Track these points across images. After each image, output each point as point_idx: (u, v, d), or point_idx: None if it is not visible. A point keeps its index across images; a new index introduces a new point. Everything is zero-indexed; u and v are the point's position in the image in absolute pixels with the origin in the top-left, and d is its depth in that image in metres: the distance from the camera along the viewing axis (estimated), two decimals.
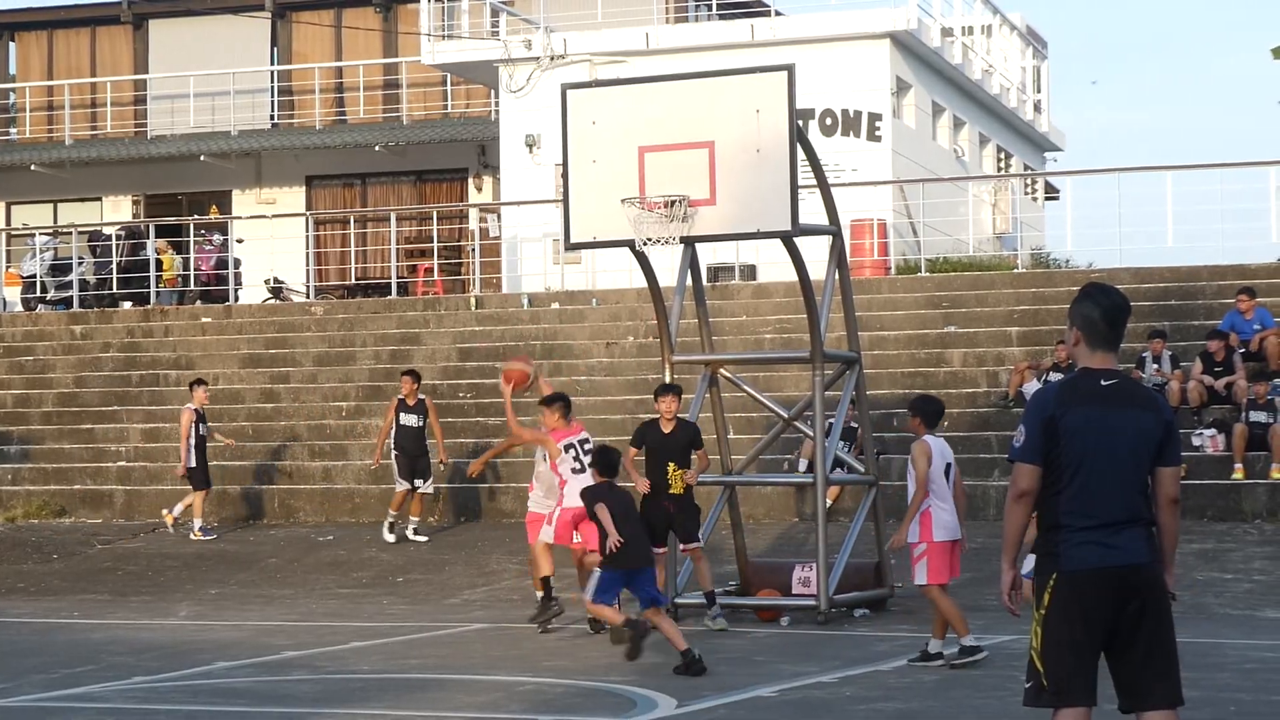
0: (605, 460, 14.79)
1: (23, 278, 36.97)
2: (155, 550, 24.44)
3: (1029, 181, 42.37)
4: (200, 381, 26.27)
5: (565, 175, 17.72)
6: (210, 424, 25.80)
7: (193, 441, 25.13)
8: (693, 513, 17.10)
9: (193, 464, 25.03)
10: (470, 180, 40.68)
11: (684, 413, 18.11)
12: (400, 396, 24.72)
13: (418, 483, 24.10)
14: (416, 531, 24.06)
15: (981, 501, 22.90)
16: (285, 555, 23.57)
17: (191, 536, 24.63)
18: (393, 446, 24.22)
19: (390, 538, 23.72)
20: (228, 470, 27.62)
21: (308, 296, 35.89)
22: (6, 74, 46.63)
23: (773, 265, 28.61)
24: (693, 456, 17.02)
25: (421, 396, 24.67)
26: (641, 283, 18.80)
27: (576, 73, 33.36)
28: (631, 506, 14.71)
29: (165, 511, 25.56)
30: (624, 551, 14.04)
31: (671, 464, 16.93)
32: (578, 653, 15.52)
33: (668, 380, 17.92)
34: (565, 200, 17.70)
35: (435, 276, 35.25)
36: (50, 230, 38.72)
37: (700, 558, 17.16)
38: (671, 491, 16.87)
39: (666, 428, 17.07)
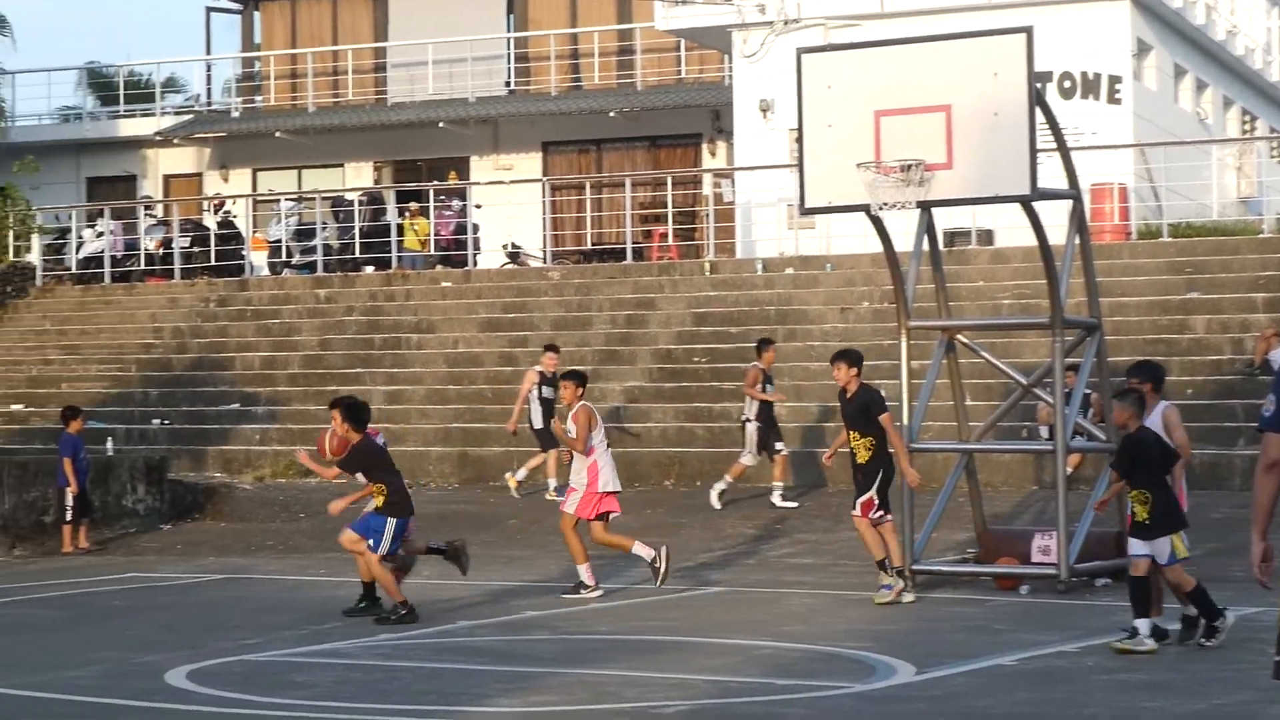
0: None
1: (269, 242, 37.83)
2: None
3: (1275, 144, 41.45)
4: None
5: (800, 140, 17.70)
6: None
7: (536, 403, 24.98)
8: (869, 478, 16.64)
9: (539, 425, 24.92)
10: (704, 145, 40.75)
11: (920, 379, 18.03)
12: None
13: (779, 446, 23.89)
14: (784, 497, 23.71)
15: (1226, 471, 22.53)
16: (525, 517, 23.88)
17: (546, 497, 24.60)
18: (752, 419, 23.87)
19: (718, 504, 23.65)
20: (468, 432, 28.06)
21: (544, 261, 36.26)
22: (252, 43, 47.63)
23: (1010, 230, 28.30)
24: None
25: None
26: (877, 247, 18.71)
27: (811, 37, 33.21)
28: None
29: (509, 475, 25.56)
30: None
31: (854, 432, 16.70)
32: (815, 618, 15.56)
33: (902, 346, 17.82)
34: (800, 165, 17.68)
35: (670, 241, 35.40)
36: (295, 196, 39.51)
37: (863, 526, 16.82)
38: (857, 461, 16.68)
39: (848, 393, 16.95)
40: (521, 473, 25.26)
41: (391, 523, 15.32)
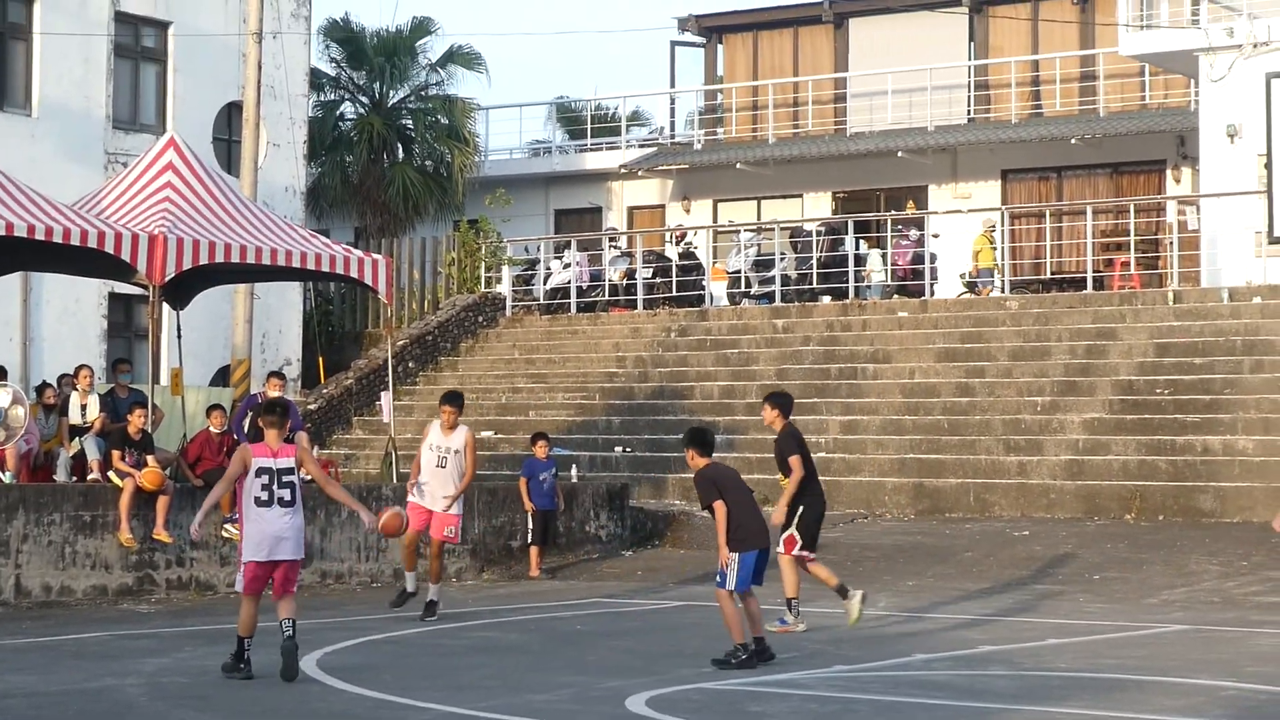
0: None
1: (728, 273, 38.34)
2: (854, 540, 24.94)
3: None
4: None
5: (1269, 165, 17.23)
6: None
7: None
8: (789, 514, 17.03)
9: None
10: (1168, 171, 39.83)
11: None
12: None
13: None
14: None
15: None
16: (981, 549, 23.69)
17: None
18: None
19: None
20: (924, 463, 27.97)
21: (1003, 290, 35.91)
22: (715, 76, 48.41)
23: None
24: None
25: None
26: None
27: None
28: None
29: None
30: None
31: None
32: None
33: None
34: (1269, 191, 17.21)
35: (1132, 270, 34.69)
36: (754, 227, 39.97)
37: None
38: None
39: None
40: None
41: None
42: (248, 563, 13.73)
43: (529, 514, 23.82)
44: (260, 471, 13.62)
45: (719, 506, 14.35)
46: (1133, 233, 34.96)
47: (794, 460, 16.94)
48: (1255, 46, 33.57)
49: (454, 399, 18.88)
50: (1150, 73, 40.70)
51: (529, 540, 23.82)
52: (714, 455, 14.89)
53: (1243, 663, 14.74)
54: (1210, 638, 16.59)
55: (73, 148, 34.29)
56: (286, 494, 13.65)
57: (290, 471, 13.70)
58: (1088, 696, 13.02)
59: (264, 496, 13.60)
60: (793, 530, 16.93)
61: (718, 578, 14.49)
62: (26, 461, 21.44)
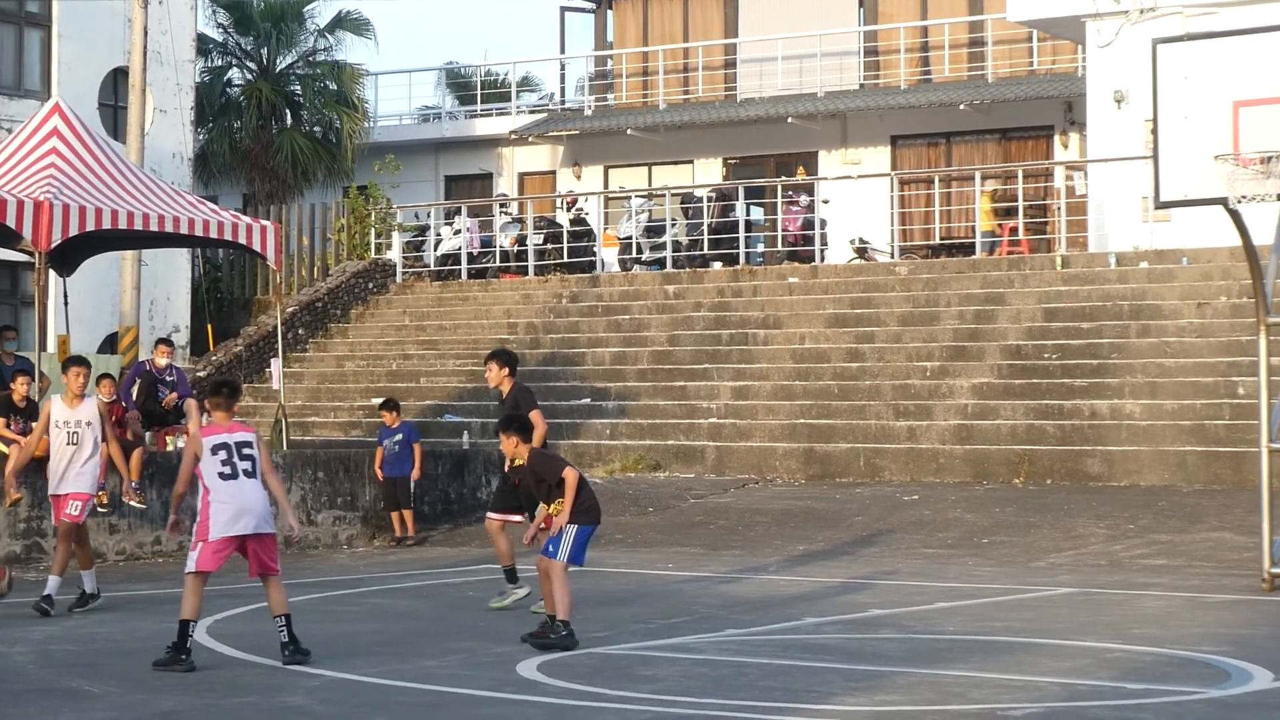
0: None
1: (619, 239, 38.36)
2: (745, 505, 25.07)
3: None
4: None
5: (1155, 131, 17.37)
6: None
7: None
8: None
9: None
10: (1056, 137, 40.17)
11: (1251, 376, 17.52)
12: None
13: None
14: None
15: None
16: (871, 514, 23.86)
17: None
18: None
19: None
20: (814, 428, 28.11)
21: (892, 256, 36.13)
22: (605, 42, 48.33)
23: None
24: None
25: None
26: (1235, 241, 18.27)
27: (1167, 25, 32.47)
28: None
29: None
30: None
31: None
32: (1169, 621, 15.26)
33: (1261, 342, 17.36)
34: (1155, 157, 17.35)
35: (1020, 235, 34.97)
36: (645, 193, 39.99)
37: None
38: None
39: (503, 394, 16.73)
40: None
41: None
42: (213, 540, 13.13)
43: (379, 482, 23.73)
44: (218, 448, 13.21)
45: (570, 474, 14.03)
46: (1021, 198, 35.24)
47: (535, 415, 16.24)
48: (1142, 12, 33.86)
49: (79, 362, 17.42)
50: (1039, 38, 41.01)
51: (382, 507, 23.74)
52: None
53: (1129, 625, 14.93)
54: (1097, 600, 16.79)
55: None
56: (249, 465, 13.26)
57: (249, 445, 13.33)
58: (976, 659, 13.15)
59: (227, 470, 13.16)
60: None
61: (549, 546, 13.83)
62: None
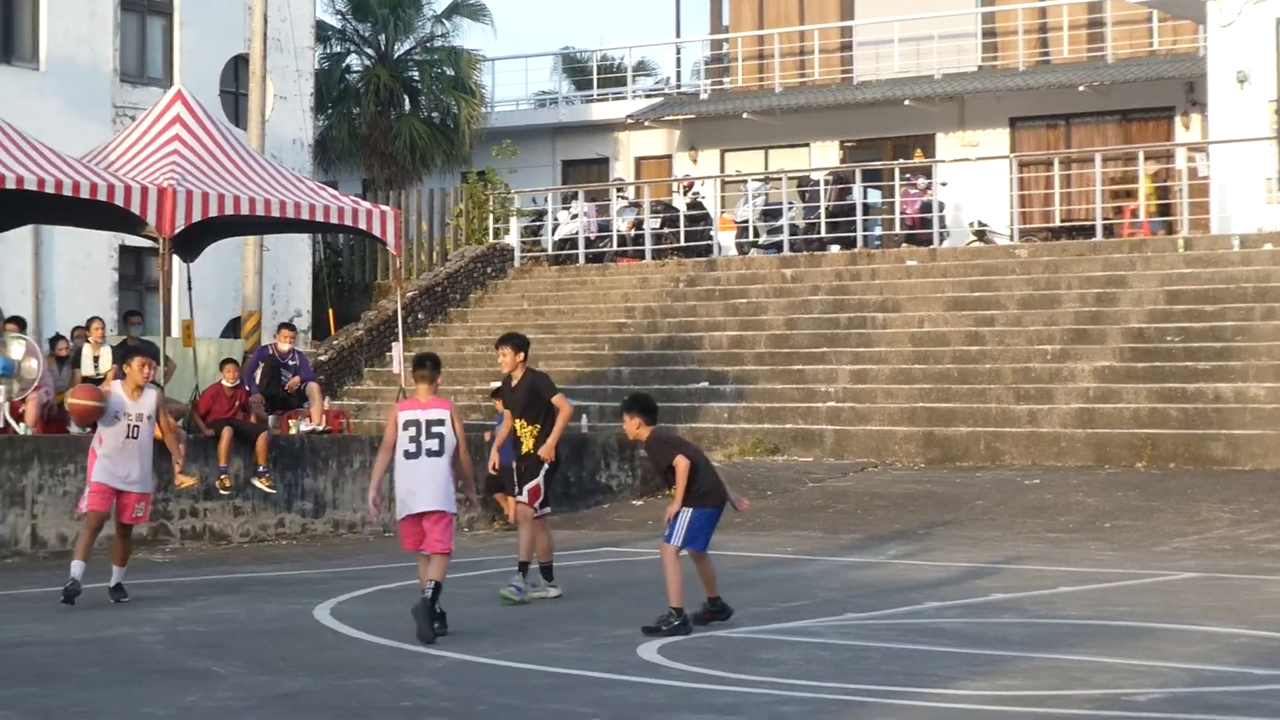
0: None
1: (736, 223, 38.32)
2: (864, 489, 25.00)
3: None
4: None
5: (1278, 112, 17.15)
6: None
7: None
8: (534, 467, 15.90)
9: None
10: (1177, 118, 39.73)
11: None
12: None
13: None
14: None
15: None
16: (991, 498, 23.72)
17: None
18: None
19: None
20: (934, 412, 27.99)
21: (1011, 239, 35.88)
22: (720, 26, 48.26)
23: None
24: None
25: None
26: None
27: None
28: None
29: None
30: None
31: (521, 420, 15.94)
32: None
33: None
34: (1279, 138, 17.13)
35: (1141, 218, 34.63)
36: (761, 176, 39.92)
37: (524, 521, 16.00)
38: (523, 450, 15.84)
39: (513, 380, 16.13)
40: None
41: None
42: (399, 520, 13.64)
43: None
44: (409, 424, 13.57)
45: (681, 461, 13.97)
46: (1141, 180, 34.89)
47: (560, 399, 15.94)
48: None
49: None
50: (1159, 18, 40.56)
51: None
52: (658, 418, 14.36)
53: (1253, 610, 14.78)
54: (1222, 585, 16.62)
55: (80, 101, 34.23)
56: (434, 444, 13.54)
57: (441, 421, 13.59)
58: (1098, 644, 13.06)
59: (412, 449, 13.53)
60: (539, 480, 15.92)
61: (666, 532, 13.85)
62: (41, 413, 21.49)
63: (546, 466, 15.93)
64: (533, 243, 40.26)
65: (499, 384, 16.24)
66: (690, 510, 13.80)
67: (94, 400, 15.74)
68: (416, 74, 46.14)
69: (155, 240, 22.78)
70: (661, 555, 13.92)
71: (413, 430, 13.56)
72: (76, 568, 15.47)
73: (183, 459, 15.88)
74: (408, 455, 13.54)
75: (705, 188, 40.38)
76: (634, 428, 14.17)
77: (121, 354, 17.19)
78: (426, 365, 13.96)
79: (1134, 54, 41.42)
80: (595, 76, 49.53)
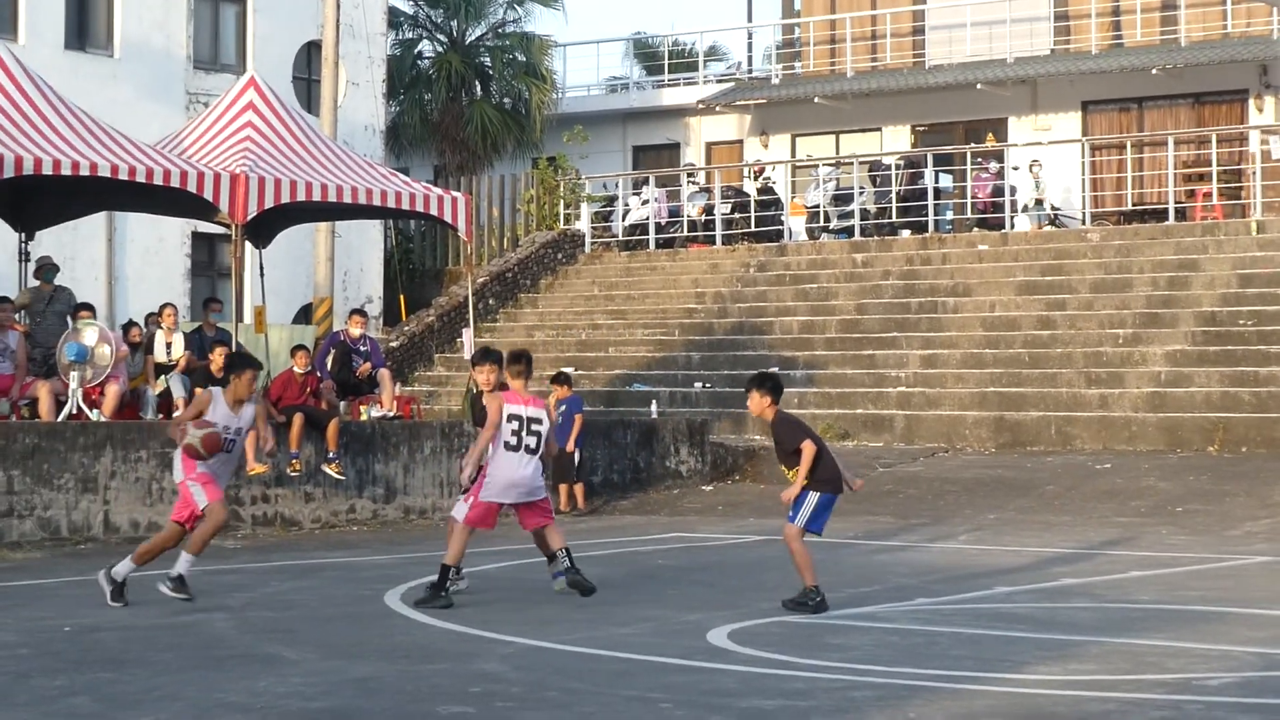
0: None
1: (807, 208, 38.26)
2: (935, 475, 24.95)
3: None
4: None
5: None
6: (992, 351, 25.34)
7: None
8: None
9: None
10: (1251, 101, 39.42)
11: None
12: None
13: None
14: None
15: None
16: (1062, 482, 23.64)
17: None
18: None
19: None
20: (1004, 397, 27.90)
21: (1084, 223, 35.70)
22: (792, 10, 48.16)
23: None
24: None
25: None
26: None
27: None
28: None
29: None
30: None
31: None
32: None
33: None
34: None
35: (1214, 201, 34.40)
36: (832, 161, 39.84)
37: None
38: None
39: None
40: None
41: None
42: (483, 500, 14.15)
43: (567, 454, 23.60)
44: (512, 417, 14.08)
45: (809, 446, 14.03)
46: (1215, 163, 34.66)
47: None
48: None
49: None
50: (1232, 1, 40.24)
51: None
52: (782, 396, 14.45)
53: None
54: None
55: (154, 88, 34.48)
56: (533, 441, 14.12)
57: (539, 422, 14.16)
58: (1171, 628, 13.00)
59: (513, 442, 14.07)
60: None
61: (790, 513, 14.02)
62: (114, 399, 21.66)
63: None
64: (603, 228, 40.32)
65: (476, 389, 15.82)
66: (818, 494, 13.99)
67: (213, 428, 15.12)
68: (488, 60, 46.24)
69: (227, 227, 22.93)
70: (785, 536, 14.08)
71: (515, 424, 14.07)
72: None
73: (270, 444, 15.58)
74: (509, 448, 14.09)
75: (776, 173, 40.33)
76: (761, 405, 14.19)
77: (229, 361, 16.67)
78: (522, 361, 14.45)
79: (1207, 36, 41.10)
80: (666, 62, 49.51)
